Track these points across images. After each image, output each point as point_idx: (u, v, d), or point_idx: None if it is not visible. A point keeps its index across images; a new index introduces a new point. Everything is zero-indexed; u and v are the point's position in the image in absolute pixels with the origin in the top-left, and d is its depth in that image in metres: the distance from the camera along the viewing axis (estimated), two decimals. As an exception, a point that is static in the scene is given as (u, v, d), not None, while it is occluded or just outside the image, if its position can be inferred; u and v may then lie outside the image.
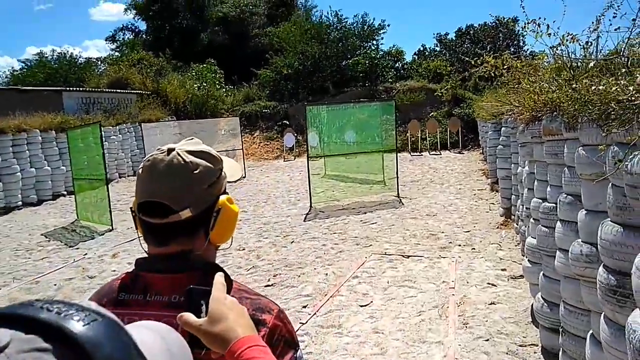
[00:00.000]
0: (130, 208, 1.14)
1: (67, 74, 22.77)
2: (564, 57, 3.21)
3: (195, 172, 1.10)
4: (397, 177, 10.58)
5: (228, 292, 0.97)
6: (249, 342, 0.86)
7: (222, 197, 1.14)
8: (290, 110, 23.15)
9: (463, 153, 18.15)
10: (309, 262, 6.28)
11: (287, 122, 22.46)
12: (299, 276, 5.80)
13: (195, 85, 23.22)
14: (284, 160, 19.82)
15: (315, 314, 4.70)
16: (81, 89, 18.73)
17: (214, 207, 1.12)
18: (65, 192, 13.56)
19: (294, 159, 19.94)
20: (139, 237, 1.15)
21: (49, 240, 8.80)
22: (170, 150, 1.10)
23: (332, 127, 11.46)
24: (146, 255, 1.14)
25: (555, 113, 3.23)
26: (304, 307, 4.91)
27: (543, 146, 3.67)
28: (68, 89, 17.68)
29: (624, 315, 2.02)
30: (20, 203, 12.14)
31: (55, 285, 6.11)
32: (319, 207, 9.82)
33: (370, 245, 6.86)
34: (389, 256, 6.31)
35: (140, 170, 1.12)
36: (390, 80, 23.57)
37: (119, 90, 19.93)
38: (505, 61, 3.86)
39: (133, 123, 17.69)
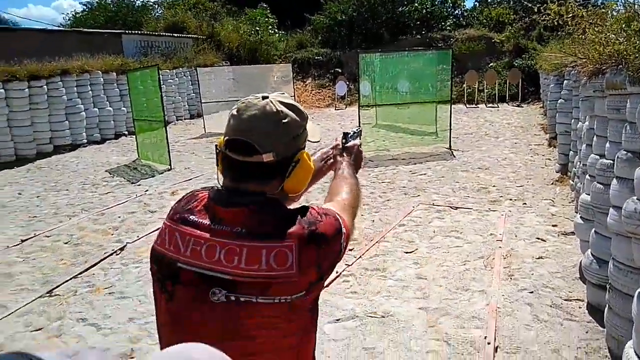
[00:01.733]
0: (216, 145, 1.28)
1: (126, 17, 23.17)
2: (636, 6, 3.03)
3: (284, 121, 1.21)
4: (450, 129, 10.37)
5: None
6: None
7: (302, 151, 1.27)
8: (343, 58, 22.79)
9: (522, 106, 17.44)
10: (357, 209, 6.40)
11: (340, 70, 22.18)
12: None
13: (248, 31, 23.17)
14: (335, 109, 19.72)
15: (360, 257, 4.85)
16: (139, 32, 19.08)
17: (293, 157, 1.23)
18: (126, 132, 14.18)
19: (345, 107, 19.81)
20: (217, 173, 1.27)
21: (112, 176, 9.35)
22: (264, 97, 1.23)
23: (384, 75, 11.26)
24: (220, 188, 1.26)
25: (620, 66, 3.09)
26: (350, 250, 5.07)
27: (605, 101, 3.53)
28: (127, 32, 18.05)
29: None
30: (85, 141, 12.82)
31: (119, 217, 6.55)
32: (368, 155, 9.84)
33: (418, 195, 6.89)
34: (436, 207, 6.33)
35: (234, 111, 1.24)
36: (448, 28, 22.63)
37: (175, 35, 20.20)
38: (570, 9, 3.66)
39: (189, 67, 18.00)
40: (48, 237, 5.98)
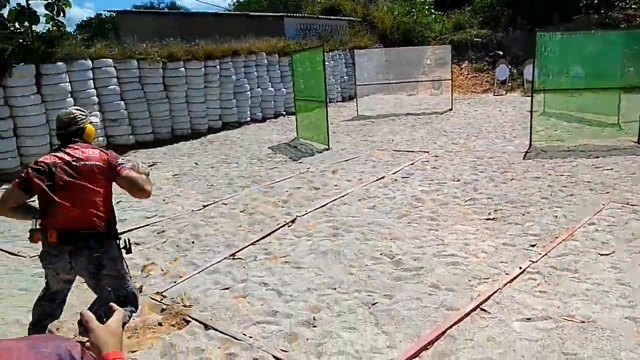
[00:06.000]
0: None
1: (287, 0, 24.20)
2: None
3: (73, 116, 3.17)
4: (640, 120, 9.03)
5: None
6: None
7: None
8: (505, 40, 21.28)
9: None
10: (534, 202, 5.86)
11: (501, 53, 20.76)
12: (523, 214, 5.46)
13: (403, 12, 22.72)
14: (494, 94, 18.53)
15: (546, 254, 4.39)
16: (300, 15, 19.79)
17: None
18: (284, 112, 14.88)
19: (506, 93, 18.53)
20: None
21: (275, 153, 9.82)
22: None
23: (561, 58, 10.09)
24: None
25: None
26: (532, 245, 4.63)
27: None
28: (289, 14, 18.82)
29: None
30: (249, 119, 13.70)
31: (287, 191, 6.82)
32: (539, 146, 9.02)
33: (607, 192, 6.07)
34: (631, 206, 5.52)
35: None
36: (634, 6, 19.77)
37: (332, 17, 20.57)
38: None
39: (344, 50, 18.24)
40: (225, 204, 6.44)
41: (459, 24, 23.19)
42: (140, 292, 4.09)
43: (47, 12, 9.81)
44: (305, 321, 3.52)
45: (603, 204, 5.59)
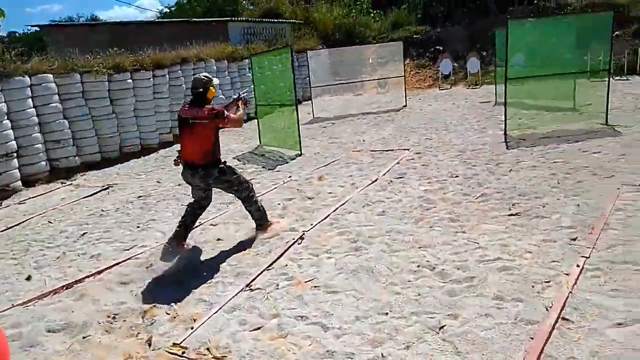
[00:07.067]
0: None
1: (223, 6, 23.34)
2: None
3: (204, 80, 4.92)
4: (608, 104, 9.15)
5: None
6: None
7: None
8: (443, 35, 21.60)
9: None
10: (546, 192, 5.59)
11: (440, 48, 21.03)
12: (543, 207, 5.16)
13: (343, 12, 22.54)
14: (440, 89, 18.68)
15: (594, 247, 4.08)
16: (243, 19, 19.04)
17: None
18: (237, 120, 14.11)
19: (450, 87, 18.71)
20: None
21: (244, 164, 9.10)
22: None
23: (529, 45, 10.06)
24: None
25: None
26: (573, 239, 4.31)
27: None
28: (233, 19, 18.03)
29: None
30: (202, 129, 12.81)
31: (279, 204, 6.18)
32: (514, 135, 8.92)
33: (612, 176, 5.93)
34: (645, 188, 5.38)
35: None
36: (562, -5, 20.64)
37: (275, 20, 19.97)
38: None
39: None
40: (214, 225, 5.71)
41: (397, 22, 23.34)
42: (150, 345, 3.37)
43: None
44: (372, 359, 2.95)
45: (618, 189, 5.41)
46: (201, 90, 4.56)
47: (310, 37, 19.38)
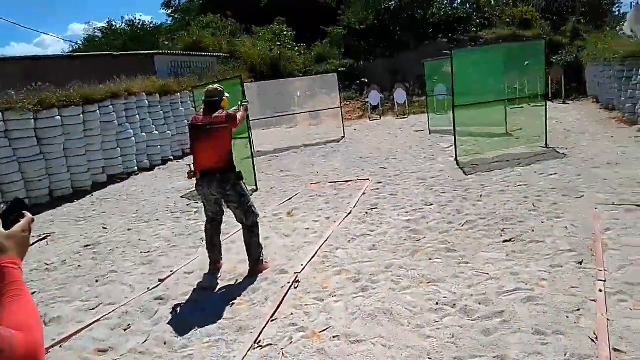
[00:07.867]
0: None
1: (141, 41, 22.43)
2: None
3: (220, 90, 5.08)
4: (546, 127, 9.69)
5: None
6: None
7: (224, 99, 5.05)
8: (367, 68, 22.20)
9: (568, 103, 16.87)
10: (527, 215, 5.63)
11: (366, 80, 21.55)
12: (532, 230, 5.16)
13: (267, 46, 22.51)
14: (370, 120, 19.00)
15: (605, 270, 4.06)
16: (170, 52, 18.32)
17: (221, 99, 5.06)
18: (171, 157, 13.37)
19: (380, 118, 19.11)
20: None
21: (195, 202, 8.45)
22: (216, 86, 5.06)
23: (475, 74, 10.48)
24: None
25: None
26: (579, 263, 4.28)
27: None
28: (160, 52, 17.29)
29: None
30: (136, 168, 11.95)
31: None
32: (465, 161, 9.12)
33: (582, 196, 6.12)
34: (618, 206, 5.58)
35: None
36: (474, 29, 22.14)
37: (202, 54, 19.45)
38: None
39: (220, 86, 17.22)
40: (189, 273, 5.11)
41: (321, 56, 23.70)
42: None
43: None
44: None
45: (596, 208, 5.56)
46: (217, 99, 4.83)
47: (241, 70, 19.02)
